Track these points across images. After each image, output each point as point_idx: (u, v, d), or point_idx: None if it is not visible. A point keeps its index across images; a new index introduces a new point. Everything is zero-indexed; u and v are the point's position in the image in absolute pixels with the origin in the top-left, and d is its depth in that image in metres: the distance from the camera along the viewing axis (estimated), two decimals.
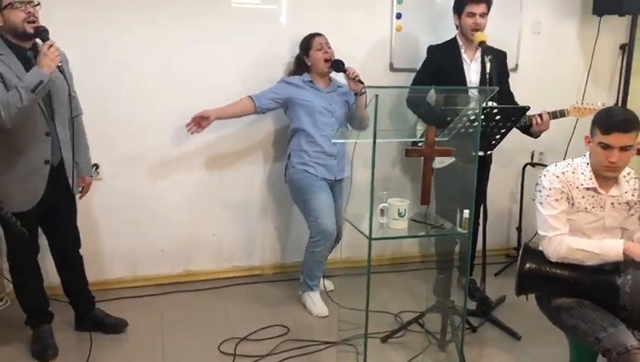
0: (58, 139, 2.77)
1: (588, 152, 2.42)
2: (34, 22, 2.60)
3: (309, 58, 3.42)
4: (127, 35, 3.43)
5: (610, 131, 2.26)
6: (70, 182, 2.83)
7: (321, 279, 3.58)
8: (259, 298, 3.65)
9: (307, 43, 3.43)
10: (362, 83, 3.32)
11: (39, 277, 2.96)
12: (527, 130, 3.41)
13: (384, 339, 3.12)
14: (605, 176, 2.36)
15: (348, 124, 3.49)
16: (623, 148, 2.27)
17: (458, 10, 3.42)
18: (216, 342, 3.06)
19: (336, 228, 3.51)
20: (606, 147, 2.28)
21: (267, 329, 3.22)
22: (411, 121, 3.65)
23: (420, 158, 3.41)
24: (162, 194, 3.68)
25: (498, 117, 2.97)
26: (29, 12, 2.58)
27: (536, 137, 3.48)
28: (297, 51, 3.56)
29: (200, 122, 3.34)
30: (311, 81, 3.43)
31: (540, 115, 3.32)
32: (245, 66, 3.65)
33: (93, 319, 3.14)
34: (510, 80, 3.67)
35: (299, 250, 3.63)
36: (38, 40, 2.66)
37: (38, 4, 2.64)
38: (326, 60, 3.37)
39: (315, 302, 3.45)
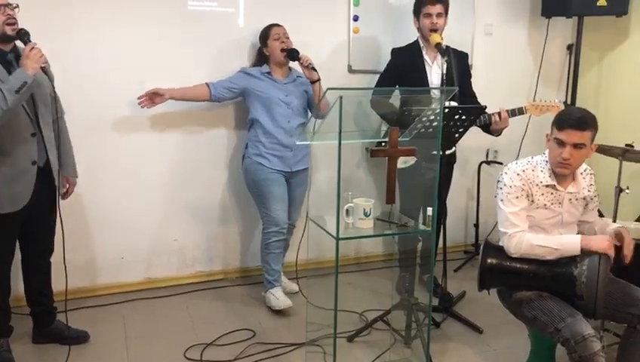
0: (43, 140, 2.76)
1: (547, 151, 2.50)
2: (13, 24, 2.60)
3: (267, 48, 3.47)
4: (82, 41, 3.36)
5: (563, 127, 2.36)
6: (57, 183, 2.83)
7: (282, 275, 3.60)
8: (223, 302, 3.62)
9: (265, 33, 3.47)
10: (315, 70, 3.38)
11: (8, 291, 2.89)
12: (488, 128, 3.50)
13: (350, 339, 3.15)
14: (558, 172, 2.45)
15: (309, 113, 3.55)
16: (576, 146, 2.36)
17: (416, 11, 3.48)
18: (181, 348, 3.03)
19: (293, 218, 3.62)
20: (560, 143, 2.37)
21: (233, 333, 3.20)
22: (374, 123, 3.70)
23: (383, 159, 3.50)
24: (121, 200, 3.62)
25: (457, 116, 3.04)
26: (8, 14, 2.58)
27: (497, 135, 3.55)
28: (253, 53, 3.60)
29: (153, 98, 3.38)
30: (269, 73, 3.47)
31: (499, 113, 3.41)
32: (204, 68, 3.62)
33: (53, 331, 3.06)
34: None
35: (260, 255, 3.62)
36: (18, 42, 2.66)
37: (17, 6, 2.63)
38: (282, 50, 3.41)
39: (278, 297, 3.46)
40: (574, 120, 2.35)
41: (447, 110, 2.99)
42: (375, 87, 3.66)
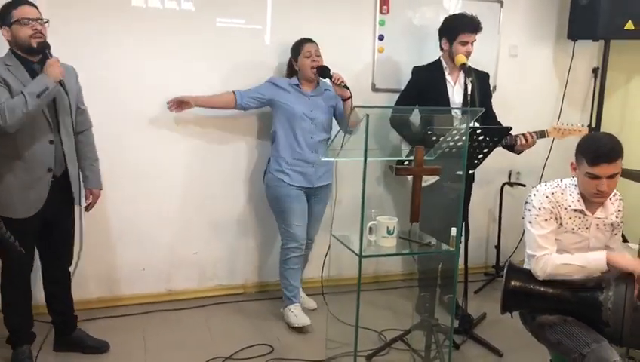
0: (63, 150, 2.80)
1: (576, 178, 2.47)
2: (40, 37, 2.67)
3: (297, 63, 3.47)
4: (111, 52, 3.43)
5: (597, 163, 2.30)
6: (76, 195, 2.87)
7: (300, 290, 3.60)
8: (242, 316, 3.62)
9: (297, 48, 3.48)
10: (348, 88, 3.38)
11: (29, 296, 2.92)
12: (511, 148, 3.48)
13: (369, 357, 3.13)
14: (595, 201, 2.42)
15: (333, 128, 3.55)
16: (611, 177, 2.33)
17: (450, 36, 3.44)
18: (200, 361, 3.03)
19: (312, 234, 3.62)
20: (594, 177, 2.32)
21: (251, 348, 3.20)
22: (393, 141, 3.70)
23: (403, 177, 3.50)
24: (143, 212, 3.65)
25: (481, 137, 3.03)
26: (36, 29, 2.66)
27: (519, 153, 3.55)
28: (279, 71, 3.64)
29: (180, 105, 3.45)
30: (297, 85, 3.47)
31: (524, 136, 3.40)
32: (230, 85, 3.65)
33: (74, 340, 3.09)
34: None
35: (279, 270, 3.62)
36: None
37: (47, 21, 2.72)
38: (313, 68, 3.42)
39: (297, 314, 3.45)
40: (607, 154, 2.29)
41: (471, 130, 2.99)
42: (395, 105, 3.67)
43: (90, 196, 3.06)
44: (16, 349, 2.90)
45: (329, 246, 3.39)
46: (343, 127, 3.45)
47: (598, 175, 2.31)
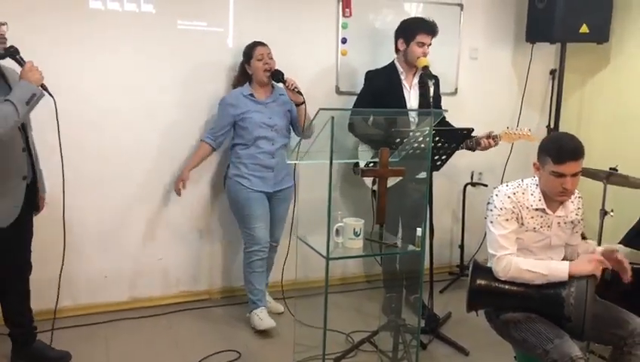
0: (31, 156, 2.76)
1: (538, 178, 2.52)
2: (3, 42, 2.59)
3: (250, 67, 3.44)
4: (73, 58, 3.35)
5: (563, 161, 2.34)
6: (39, 199, 2.86)
7: (267, 299, 3.57)
8: (208, 323, 3.58)
9: (249, 51, 3.45)
10: (301, 94, 3.38)
11: None
12: (471, 148, 3.50)
13: (337, 360, 3.12)
14: (560, 200, 2.47)
15: (292, 131, 3.55)
16: (574, 175, 2.39)
17: (406, 36, 3.47)
18: None
19: (276, 237, 3.62)
20: (559, 175, 2.37)
21: (218, 354, 3.16)
22: (350, 143, 3.71)
23: (360, 180, 3.52)
24: (105, 218, 3.58)
25: (439, 144, 3.07)
26: (0, 34, 2.57)
27: (479, 150, 3.56)
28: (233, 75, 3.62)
29: (181, 183, 3.50)
30: (251, 95, 3.44)
31: (491, 137, 3.45)
32: (192, 87, 3.64)
33: (33, 352, 2.99)
34: (450, 103, 3.80)
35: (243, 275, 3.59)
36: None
37: (5, 23, 2.61)
38: (265, 70, 3.40)
39: (262, 318, 3.42)
40: (572, 152, 2.35)
41: (434, 132, 3.02)
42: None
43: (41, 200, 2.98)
44: None
45: (288, 250, 3.41)
46: (298, 132, 3.47)
47: (564, 173, 2.36)
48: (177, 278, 3.84)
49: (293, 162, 3.33)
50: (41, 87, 2.61)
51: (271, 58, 3.43)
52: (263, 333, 3.40)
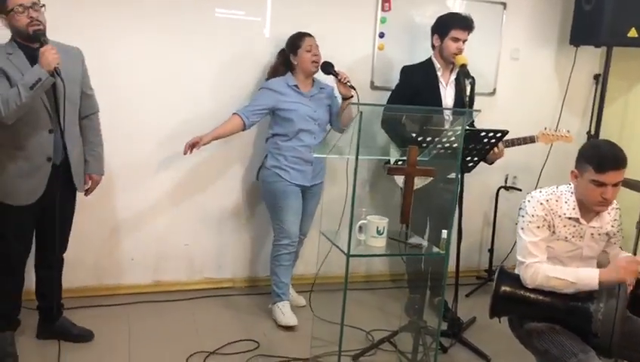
0: (62, 137, 2.76)
1: (575, 185, 2.43)
2: (37, 24, 2.62)
3: (296, 57, 3.36)
4: (109, 44, 3.39)
5: (605, 170, 2.26)
6: (76, 181, 2.88)
7: (290, 287, 3.57)
8: (230, 311, 3.59)
9: (296, 42, 3.37)
10: (354, 88, 3.32)
11: (21, 281, 2.90)
12: (487, 153, 3.34)
13: (355, 357, 3.10)
14: (598, 210, 2.38)
15: (329, 125, 3.51)
16: (615, 184, 2.30)
17: (441, 32, 3.42)
18: (184, 354, 3.00)
19: (305, 230, 3.60)
20: (600, 185, 2.28)
21: (237, 343, 3.17)
22: (382, 141, 3.66)
23: (391, 178, 3.47)
24: (134, 202, 3.62)
25: (471, 145, 3.00)
26: (31, 16, 2.60)
27: (490, 163, 3.49)
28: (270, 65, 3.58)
29: (193, 146, 3.29)
30: (296, 85, 3.38)
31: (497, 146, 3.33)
32: (227, 76, 3.63)
33: (58, 328, 3.05)
34: (487, 103, 3.71)
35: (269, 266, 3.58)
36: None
37: (43, 5, 2.66)
38: (314, 62, 3.35)
39: (285, 313, 3.41)
40: (614, 161, 2.26)
41: (467, 133, 2.95)
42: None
43: (90, 181, 3.03)
44: None
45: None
46: (336, 126, 3.43)
47: (605, 182, 2.27)
48: (202, 265, 3.86)
49: (320, 155, 3.29)
50: (55, 70, 2.58)
51: (318, 50, 3.39)
52: (283, 327, 3.39)
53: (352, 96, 3.35)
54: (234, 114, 3.35)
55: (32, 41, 2.66)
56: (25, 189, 2.72)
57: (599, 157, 2.29)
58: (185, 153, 3.32)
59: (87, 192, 3.05)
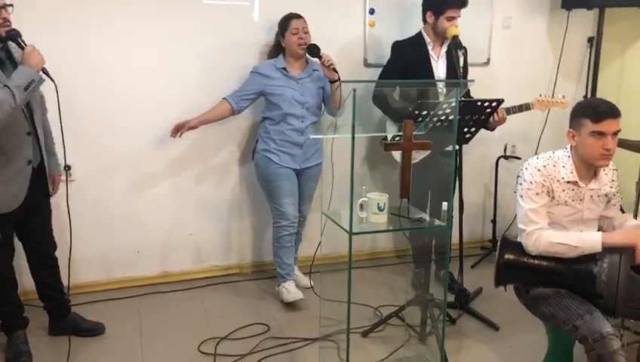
0: (38, 139, 2.75)
1: (569, 145, 2.43)
2: (7, 25, 2.56)
3: (284, 40, 3.38)
4: (97, 35, 3.37)
5: (602, 118, 2.28)
6: (49, 183, 2.86)
7: (295, 273, 3.59)
8: (238, 297, 3.62)
9: (284, 24, 3.38)
10: (336, 71, 3.31)
11: (14, 283, 2.90)
12: (484, 124, 3.35)
13: (365, 334, 3.13)
14: (601, 165, 2.38)
15: (322, 107, 3.50)
16: (614, 134, 2.31)
17: (436, 9, 3.38)
18: (195, 342, 3.03)
19: (304, 211, 3.61)
20: (600, 135, 2.29)
21: (247, 327, 3.20)
22: (376, 117, 3.66)
23: (389, 154, 3.47)
24: (137, 194, 3.63)
25: (467, 116, 2.99)
26: (4, 17, 2.54)
27: (492, 130, 3.49)
28: (267, 49, 3.57)
29: (179, 129, 3.38)
30: (284, 68, 3.39)
31: (498, 111, 3.34)
32: (216, 62, 3.62)
33: (69, 323, 3.08)
34: (481, 74, 3.70)
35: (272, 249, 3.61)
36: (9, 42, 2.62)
37: (11, 5, 2.59)
38: (300, 45, 3.34)
39: (290, 290, 3.45)
40: (610, 109, 2.29)
41: (462, 104, 2.95)
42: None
43: (53, 182, 2.98)
44: (10, 335, 2.90)
45: (323, 226, 3.37)
46: (329, 110, 3.43)
47: (604, 131, 2.28)
48: (208, 253, 3.89)
49: (316, 136, 3.29)
50: (43, 70, 2.56)
51: (306, 32, 3.36)
52: (292, 307, 3.43)
53: (337, 80, 3.34)
54: (223, 99, 3.41)
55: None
56: (7, 195, 2.64)
57: (594, 108, 2.31)
58: (172, 136, 3.38)
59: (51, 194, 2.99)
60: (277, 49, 3.48)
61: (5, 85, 2.45)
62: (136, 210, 3.65)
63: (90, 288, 3.58)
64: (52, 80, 2.63)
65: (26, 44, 2.56)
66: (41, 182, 2.81)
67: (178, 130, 3.37)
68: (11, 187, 2.66)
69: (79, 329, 3.07)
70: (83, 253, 3.52)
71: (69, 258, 2.87)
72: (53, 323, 3.11)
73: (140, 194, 3.65)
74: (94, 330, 3.10)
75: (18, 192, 2.68)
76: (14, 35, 2.57)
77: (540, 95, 3.56)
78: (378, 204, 2.36)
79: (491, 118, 3.29)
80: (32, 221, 2.85)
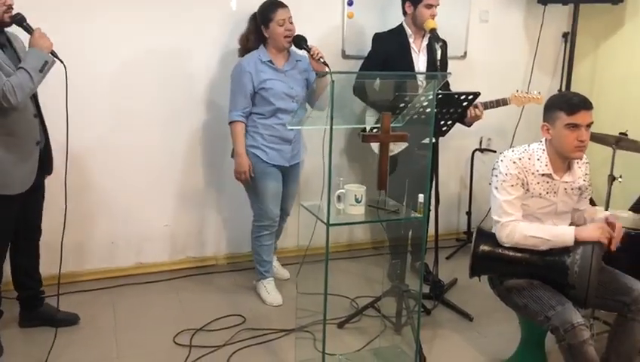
0: (42, 121, 2.80)
1: (544, 139, 2.47)
2: (10, 11, 2.60)
3: (268, 30, 3.19)
4: (66, 24, 3.30)
5: (576, 110, 2.33)
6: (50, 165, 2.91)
7: (273, 265, 3.58)
8: (214, 288, 3.61)
9: (268, 13, 3.18)
10: (326, 64, 3.16)
11: (1, 273, 2.86)
12: (461, 119, 3.38)
13: (341, 325, 3.15)
14: (576, 157, 2.42)
15: (307, 104, 3.42)
16: (588, 126, 2.36)
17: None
18: (171, 333, 3.02)
19: (287, 208, 3.55)
20: (575, 127, 2.34)
21: (223, 319, 3.19)
22: (357, 109, 3.66)
23: (368, 146, 3.48)
24: (111, 184, 3.59)
25: (444, 109, 3.02)
26: (8, 4, 2.58)
27: (468, 126, 3.51)
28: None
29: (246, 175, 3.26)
30: (270, 61, 3.23)
31: (477, 106, 3.36)
32: (193, 54, 3.58)
33: (42, 314, 3.05)
34: (459, 67, 3.72)
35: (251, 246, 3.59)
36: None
37: None
38: (286, 37, 3.19)
39: (269, 291, 3.43)
40: (583, 101, 2.35)
41: (440, 97, 2.97)
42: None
43: None
44: None
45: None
46: (311, 101, 3.35)
47: (578, 123, 2.33)
48: (183, 244, 3.86)
49: (294, 127, 3.24)
50: (51, 53, 2.63)
51: (292, 23, 3.20)
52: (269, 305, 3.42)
53: (325, 74, 3.17)
54: (235, 122, 3.23)
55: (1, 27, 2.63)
56: (19, 177, 2.69)
57: (568, 101, 2.36)
58: (249, 183, 3.31)
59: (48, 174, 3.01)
60: (254, 35, 3.28)
61: (21, 67, 2.52)
62: (111, 201, 3.60)
63: (63, 279, 3.51)
64: (61, 61, 2.67)
65: (32, 28, 2.63)
66: (42, 164, 2.83)
67: (245, 176, 3.25)
68: (25, 167, 2.71)
69: (53, 320, 3.01)
70: (57, 244, 3.45)
71: (61, 245, 2.89)
72: (25, 314, 3.06)
73: (115, 185, 3.60)
74: (68, 320, 3.06)
75: (30, 173, 2.74)
76: (20, 20, 2.63)
77: (517, 91, 3.61)
78: (355, 195, 2.37)
79: (468, 113, 3.32)
80: (30, 204, 2.85)
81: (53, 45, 2.65)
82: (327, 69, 3.16)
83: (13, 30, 2.71)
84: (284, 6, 3.21)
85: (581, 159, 2.48)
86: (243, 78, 3.19)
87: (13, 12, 2.61)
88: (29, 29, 2.64)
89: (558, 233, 2.39)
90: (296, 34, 3.21)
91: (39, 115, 2.78)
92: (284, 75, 3.26)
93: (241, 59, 3.30)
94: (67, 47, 3.17)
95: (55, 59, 2.65)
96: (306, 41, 3.20)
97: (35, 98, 2.75)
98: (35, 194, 2.87)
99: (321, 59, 3.16)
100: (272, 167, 3.30)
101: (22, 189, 2.71)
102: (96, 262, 3.65)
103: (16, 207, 2.76)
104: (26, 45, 2.72)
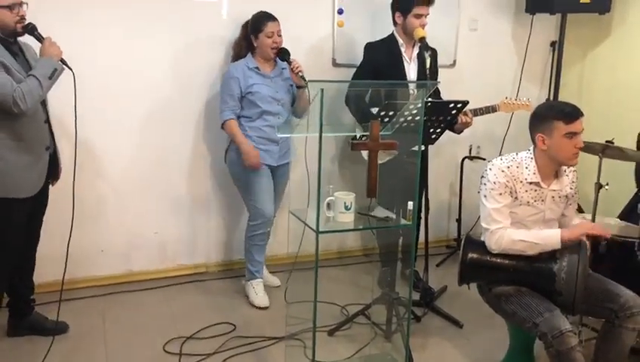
0: (51, 127, 2.85)
1: (532, 147, 2.50)
2: (23, 21, 2.67)
3: (257, 40, 3.35)
4: (63, 33, 3.27)
5: (574, 119, 2.38)
6: (59, 170, 2.98)
7: (264, 266, 3.60)
8: (204, 296, 3.60)
9: (258, 25, 3.33)
10: (304, 79, 3.32)
11: (6, 282, 2.88)
12: (451, 126, 3.42)
13: (331, 332, 3.15)
14: (573, 164, 2.46)
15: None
16: (580, 133, 2.41)
17: (403, 9, 3.43)
18: (161, 342, 3.01)
19: (274, 211, 3.61)
20: (573, 135, 2.38)
21: (213, 327, 3.18)
22: (348, 117, 3.68)
23: (358, 154, 3.50)
24: (100, 191, 3.58)
25: (434, 117, 3.04)
26: (21, 15, 2.64)
27: (458, 133, 3.56)
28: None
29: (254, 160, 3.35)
30: (257, 68, 3.38)
31: (466, 113, 3.40)
32: (183, 61, 3.59)
33: (31, 323, 3.03)
34: (448, 75, 3.75)
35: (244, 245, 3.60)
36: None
37: (26, 3, 2.69)
38: (273, 48, 3.33)
39: (257, 292, 3.45)
40: (577, 110, 2.40)
41: (429, 105, 2.99)
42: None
43: None
44: None
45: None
46: (296, 113, 3.44)
47: (576, 131, 2.38)
48: (174, 252, 3.85)
49: (284, 135, 3.30)
50: (61, 61, 2.69)
51: (280, 35, 3.35)
52: (259, 306, 3.42)
53: (304, 86, 3.36)
54: (229, 120, 3.35)
55: (12, 36, 2.67)
56: (29, 181, 2.74)
57: (563, 111, 2.40)
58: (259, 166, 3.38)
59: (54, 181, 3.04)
60: (245, 42, 3.43)
61: (31, 74, 2.59)
62: (100, 208, 3.59)
63: (53, 288, 3.50)
64: (70, 69, 2.73)
65: (43, 37, 2.71)
66: (50, 170, 2.86)
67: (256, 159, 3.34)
68: (34, 172, 2.76)
69: (42, 329, 3.01)
70: (46, 252, 3.44)
71: (67, 252, 2.92)
72: (14, 322, 3.04)
73: (104, 192, 3.59)
74: (58, 330, 3.03)
75: (39, 177, 2.79)
76: (32, 30, 2.70)
77: (506, 97, 3.65)
78: (345, 203, 2.38)
79: (458, 120, 3.35)
80: (37, 208, 2.89)
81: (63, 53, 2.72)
82: (304, 84, 3.35)
83: (26, 40, 2.78)
84: (274, 19, 3.35)
85: (554, 173, 2.51)
86: (231, 83, 3.35)
87: (25, 22, 2.67)
88: (40, 38, 2.71)
89: (545, 236, 2.42)
90: (281, 47, 3.36)
91: (48, 121, 2.83)
92: (270, 80, 3.40)
93: (230, 65, 3.46)
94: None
95: (64, 66, 2.71)
96: (289, 54, 3.36)
97: (45, 104, 2.81)
98: (42, 199, 2.91)
99: (300, 73, 3.31)
100: (262, 166, 3.40)
101: (32, 193, 2.75)
102: (85, 271, 3.62)
103: (27, 211, 2.79)
104: (37, 53, 2.77)
